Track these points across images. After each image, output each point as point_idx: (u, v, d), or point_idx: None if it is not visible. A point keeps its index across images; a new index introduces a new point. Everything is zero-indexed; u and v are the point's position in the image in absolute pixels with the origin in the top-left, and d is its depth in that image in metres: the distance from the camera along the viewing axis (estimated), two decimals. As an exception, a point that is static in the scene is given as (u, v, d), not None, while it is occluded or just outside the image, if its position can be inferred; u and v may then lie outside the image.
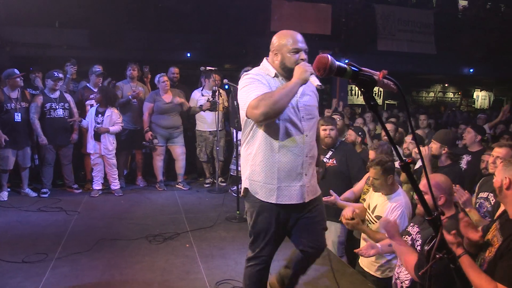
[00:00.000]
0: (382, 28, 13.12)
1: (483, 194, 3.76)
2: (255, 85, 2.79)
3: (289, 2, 11.91)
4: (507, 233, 2.32)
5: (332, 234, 4.81)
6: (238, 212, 5.76)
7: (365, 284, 3.88)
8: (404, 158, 1.39)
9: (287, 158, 2.85)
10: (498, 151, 3.78)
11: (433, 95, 21.17)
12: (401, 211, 3.69)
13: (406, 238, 3.12)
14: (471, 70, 15.55)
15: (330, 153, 4.82)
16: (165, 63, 8.48)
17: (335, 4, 12.58)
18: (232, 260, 4.41)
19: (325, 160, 4.79)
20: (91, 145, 6.65)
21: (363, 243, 3.98)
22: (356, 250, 3.59)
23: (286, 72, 2.87)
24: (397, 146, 4.51)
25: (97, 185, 6.77)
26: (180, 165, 7.35)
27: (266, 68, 2.99)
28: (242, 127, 2.98)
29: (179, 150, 7.29)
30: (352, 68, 1.35)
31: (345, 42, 12.72)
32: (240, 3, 10.79)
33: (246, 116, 2.82)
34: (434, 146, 4.38)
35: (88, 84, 7.19)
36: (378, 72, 1.38)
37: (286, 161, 2.85)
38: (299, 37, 2.89)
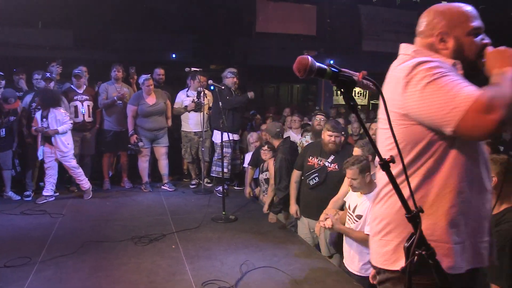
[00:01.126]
0: (367, 28, 13.24)
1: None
2: (452, 76, 1.63)
3: (274, 3, 11.96)
4: None
5: (322, 233, 4.86)
6: (224, 212, 5.75)
7: (350, 283, 3.91)
8: (383, 157, 1.41)
9: (481, 198, 1.84)
10: None
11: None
12: None
13: None
14: (456, 70, 15.72)
15: (332, 157, 4.86)
16: (150, 64, 8.44)
17: (320, 4, 12.67)
18: (218, 261, 4.41)
19: (327, 164, 4.85)
20: (40, 151, 6.41)
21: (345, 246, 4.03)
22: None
23: (464, 63, 1.84)
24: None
25: (47, 191, 6.43)
26: (163, 164, 7.30)
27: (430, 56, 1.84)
28: (402, 150, 1.66)
29: (162, 150, 7.25)
30: (332, 69, 1.36)
31: (330, 42, 12.82)
32: (226, 3, 10.81)
33: (458, 129, 1.56)
34: None
35: (72, 86, 7.12)
36: (357, 73, 1.40)
37: (479, 205, 1.83)
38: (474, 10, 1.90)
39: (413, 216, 1.49)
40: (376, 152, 1.44)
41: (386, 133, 1.76)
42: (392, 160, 1.41)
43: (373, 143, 1.50)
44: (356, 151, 4.48)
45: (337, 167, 4.76)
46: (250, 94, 6.99)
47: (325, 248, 4.82)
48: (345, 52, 12.80)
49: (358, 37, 13.19)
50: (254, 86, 15.36)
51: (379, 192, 1.90)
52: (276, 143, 5.78)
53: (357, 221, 3.88)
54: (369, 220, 3.60)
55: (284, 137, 6.01)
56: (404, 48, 1.93)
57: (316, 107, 9.57)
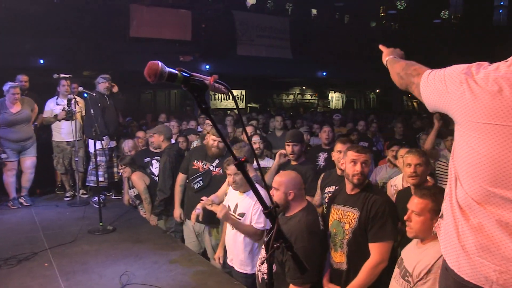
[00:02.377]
0: (241, 34, 13.63)
1: (330, 189, 4.12)
2: None
3: (148, 8, 11.79)
4: (357, 204, 3.01)
5: (213, 238, 4.98)
6: (101, 223, 5.54)
7: (231, 283, 4.01)
8: (238, 157, 1.51)
9: None
10: (339, 146, 4.19)
11: (292, 97, 22.47)
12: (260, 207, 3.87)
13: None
14: (324, 73, 16.84)
15: (217, 161, 4.95)
16: (15, 69, 7.82)
17: (195, 10, 12.75)
18: (95, 274, 4.24)
19: (211, 168, 4.96)
20: None
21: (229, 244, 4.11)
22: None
23: None
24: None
25: None
26: (27, 178, 6.79)
27: None
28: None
29: (28, 163, 6.75)
30: (183, 73, 1.42)
31: (206, 47, 12.95)
32: (96, 7, 10.41)
33: None
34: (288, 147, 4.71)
35: None
36: (209, 77, 1.47)
37: None
38: None
39: (270, 212, 1.61)
40: (230, 152, 1.53)
41: None
42: (246, 160, 1.51)
43: (227, 144, 1.59)
44: (236, 152, 4.64)
45: (221, 171, 4.83)
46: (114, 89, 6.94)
47: (211, 250, 4.90)
48: (220, 57, 13.03)
49: (233, 42, 13.51)
50: (130, 92, 15.03)
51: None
52: (164, 145, 5.74)
53: (240, 220, 3.98)
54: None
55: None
56: None
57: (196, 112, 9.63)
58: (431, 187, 2.67)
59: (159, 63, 1.36)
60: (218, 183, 4.82)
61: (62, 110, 6.78)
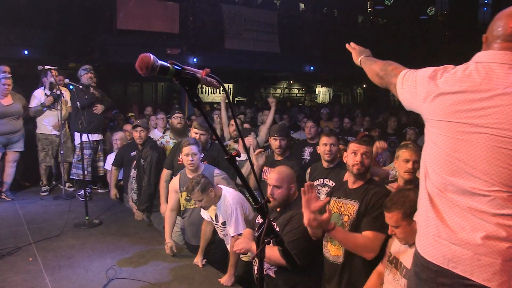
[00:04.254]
0: (229, 27, 13.55)
1: (318, 182, 4.14)
2: None
3: (135, 0, 11.65)
4: (358, 197, 2.98)
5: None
6: (87, 217, 5.50)
7: (218, 276, 4.00)
8: (230, 151, 1.49)
9: None
10: (325, 139, 4.20)
11: (280, 91, 22.47)
12: (237, 208, 3.88)
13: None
14: (312, 68, 16.84)
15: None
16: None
17: (183, 2, 12.64)
18: (82, 268, 4.21)
19: None
20: None
21: None
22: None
23: None
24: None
25: None
26: (9, 172, 6.70)
27: None
28: None
29: (13, 156, 6.69)
30: (175, 67, 1.40)
31: (193, 40, 12.85)
32: (83, -3, 10.27)
33: None
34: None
35: None
36: (201, 71, 1.46)
37: None
38: None
39: (261, 207, 1.60)
40: (223, 148, 1.52)
41: None
42: (238, 154, 1.50)
43: (218, 139, 1.58)
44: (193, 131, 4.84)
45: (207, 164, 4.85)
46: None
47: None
48: (207, 50, 12.95)
49: (221, 35, 13.44)
50: (117, 84, 14.88)
51: None
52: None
53: (224, 228, 3.99)
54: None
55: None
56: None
57: (176, 105, 9.54)
58: (394, 195, 2.65)
59: (151, 55, 1.34)
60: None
61: (49, 95, 6.72)
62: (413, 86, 1.95)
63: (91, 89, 6.70)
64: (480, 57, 1.83)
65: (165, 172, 5.18)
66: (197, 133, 4.86)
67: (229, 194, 3.97)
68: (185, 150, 4.33)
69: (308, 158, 5.71)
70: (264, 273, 3.29)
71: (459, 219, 1.78)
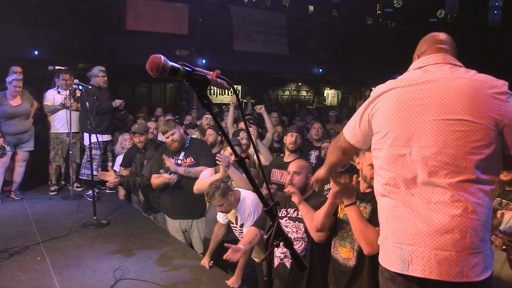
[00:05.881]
0: (237, 29, 13.57)
1: (329, 186, 4.11)
2: None
3: (144, 1, 11.69)
4: (370, 200, 2.92)
5: (200, 231, 5.01)
6: (95, 217, 5.51)
7: (225, 277, 4.00)
8: (239, 154, 1.49)
9: None
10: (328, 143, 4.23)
11: (288, 93, 22.43)
12: (255, 211, 3.93)
13: None
14: (320, 70, 16.81)
15: (182, 153, 5.06)
16: (10, 60, 7.72)
17: (192, 4, 12.68)
18: (89, 269, 4.21)
19: (179, 161, 5.03)
20: None
21: None
22: (224, 257, 3.44)
23: None
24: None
25: None
26: (18, 171, 6.74)
27: None
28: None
29: (24, 155, 6.73)
30: (186, 68, 1.39)
31: (202, 42, 12.89)
32: (92, -1, 10.33)
33: None
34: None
35: None
36: (211, 72, 1.45)
37: None
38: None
39: (270, 209, 1.59)
40: (231, 148, 1.51)
41: (473, 134, 1.90)
42: (248, 156, 1.49)
43: (228, 140, 1.56)
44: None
45: (192, 160, 4.98)
46: (115, 103, 6.86)
47: (199, 246, 4.90)
48: (216, 52, 12.97)
49: (229, 37, 13.46)
50: (125, 85, 14.93)
51: None
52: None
53: (242, 231, 3.99)
54: None
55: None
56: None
57: (194, 107, 9.57)
58: None
59: (162, 56, 1.33)
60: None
61: (69, 98, 6.79)
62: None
63: (103, 90, 6.76)
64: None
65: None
66: (168, 137, 5.00)
67: (248, 197, 4.00)
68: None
69: (315, 162, 5.66)
70: (280, 262, 3.33)
71: (411, 217, 1.94)
